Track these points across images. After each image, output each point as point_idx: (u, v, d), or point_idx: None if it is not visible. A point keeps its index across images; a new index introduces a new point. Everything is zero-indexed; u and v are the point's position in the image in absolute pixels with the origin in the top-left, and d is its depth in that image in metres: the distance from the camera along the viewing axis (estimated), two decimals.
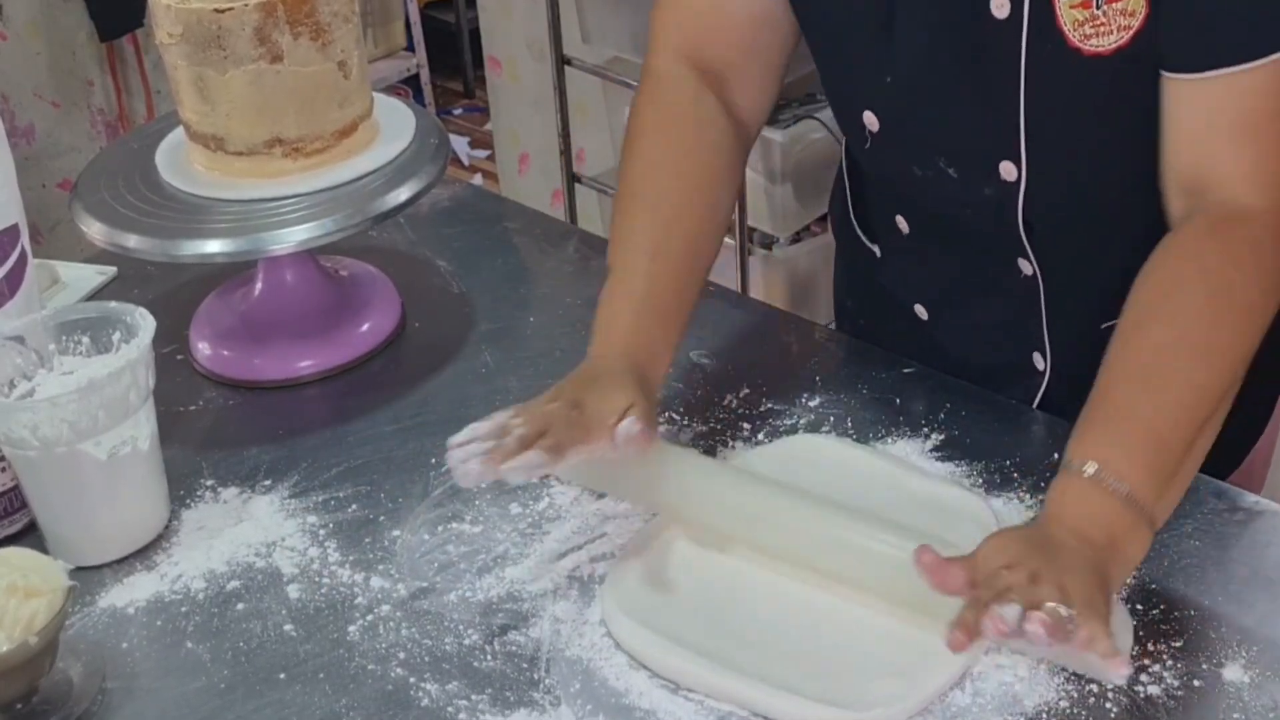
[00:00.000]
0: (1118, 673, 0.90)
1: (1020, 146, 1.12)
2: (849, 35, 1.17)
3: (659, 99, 1.22)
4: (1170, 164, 1.07)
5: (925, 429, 1.21)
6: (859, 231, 1.37)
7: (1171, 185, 1.08)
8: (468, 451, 1.00)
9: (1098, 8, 1.04)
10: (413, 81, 4.12)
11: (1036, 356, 1.27)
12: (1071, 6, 1.04)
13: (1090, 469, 0.96)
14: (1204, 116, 1.05)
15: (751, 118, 1.25)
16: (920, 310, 1.32)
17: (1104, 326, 1.22)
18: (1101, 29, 1.04)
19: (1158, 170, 1.10)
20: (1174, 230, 1.06)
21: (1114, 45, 1.05)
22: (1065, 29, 1.05)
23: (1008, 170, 1.14)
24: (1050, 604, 0.88)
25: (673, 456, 1.10)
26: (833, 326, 1.47)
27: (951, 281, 1.29)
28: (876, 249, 1.35)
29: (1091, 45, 1.05)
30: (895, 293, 1.34)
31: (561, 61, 2.69)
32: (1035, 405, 1.28)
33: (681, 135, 1.20)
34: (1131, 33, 1.04)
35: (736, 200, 1.23)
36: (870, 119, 1.20)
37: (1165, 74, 1.05)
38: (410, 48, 4.14)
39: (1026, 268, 1.21)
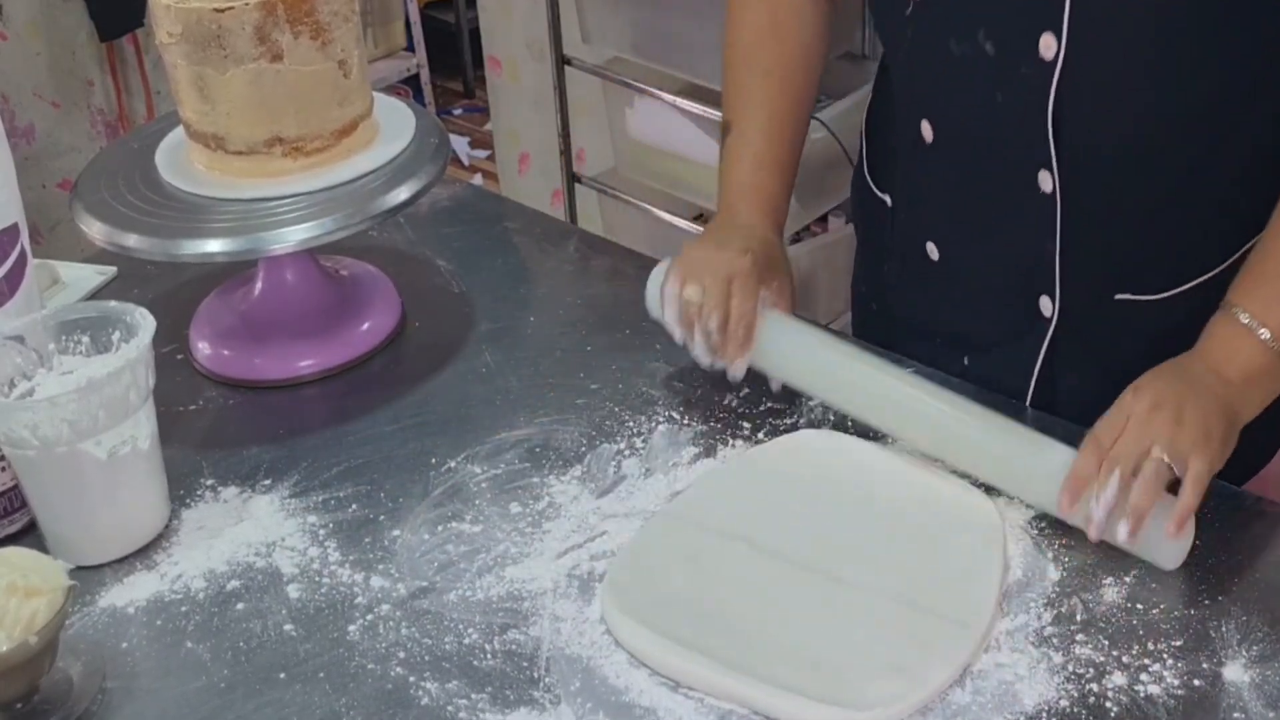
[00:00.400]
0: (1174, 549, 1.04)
1: (1064, 15, 1.10)
2: None
3: None
4: None
5: None
6: (872, 185, 1.37)
7: None
8: (700, 350, 1.20)
9: None
10: (413, 81, 4.13)
11: (1044, 301, 1.24)
12: None
13: (1241, 315, 1.09)
14: None
15: None
16: (931, 250, 1.30)
17: (1117, 298, 1.21)
18: None
19: (1200, 106, 1.10)
20: None
21: None
22: None
23: (1047, 45, 1.11)
24: (1155, 457, 1.02)
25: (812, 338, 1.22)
26: (835, 325, 1.47)
27: (967, 205, 1.27)
28: (888, 198, 1.35)
29: None
30: (906, 236, 1.33)
31: (561, 61, 2.69)
32: (1040, 361, 1.27)
33: (779, 6, 1.32)
34: None
35: (827, 55, 1.38)
36: None
37: None
38: (410, 48, 4.14)
39: (1047, 182, 1.18)
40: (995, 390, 1.26)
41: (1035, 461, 1.09)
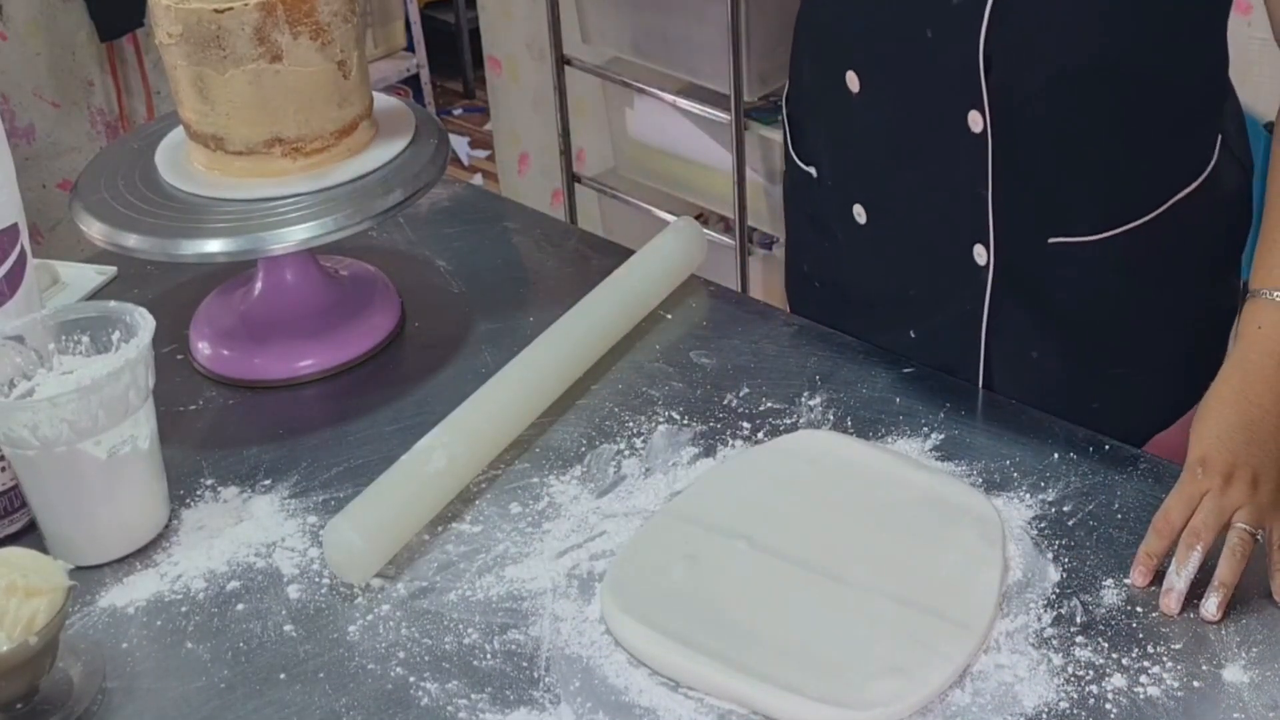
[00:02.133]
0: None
1: None
2: None
3: None
4: None
5: (925, 429, 1.21)
6: (797, 159, 1.36)
7: None
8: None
9: None
10: (413, 81, 4.13)
11: (979, 250, 1.23)
12: None
13: (1274, 294, 1.08)
14: None
15: None
16: (859, 213, 1.29)
17: (1050, 241, 1.21)
18: None
19: (1128, 43, 1.11)
20: None
21: None
22: None
23: None
24: (1238, 528, 1.03)
25: None
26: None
27: (895, 155, 1.24)
28: (814, 170, 1.34)
29: None
30: (834, 203, 1.32)
31: (561, 61, 2.69)
32: (985, 323, 1.25)
33: None
34: None
35: None
36: None
37: None
38: (410, 48, 4.14)
39: (977, 122, 1.16)
40: (947, 363, 1.27)
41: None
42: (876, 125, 1.25)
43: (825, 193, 1.34)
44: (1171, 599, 1.02)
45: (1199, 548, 1.02)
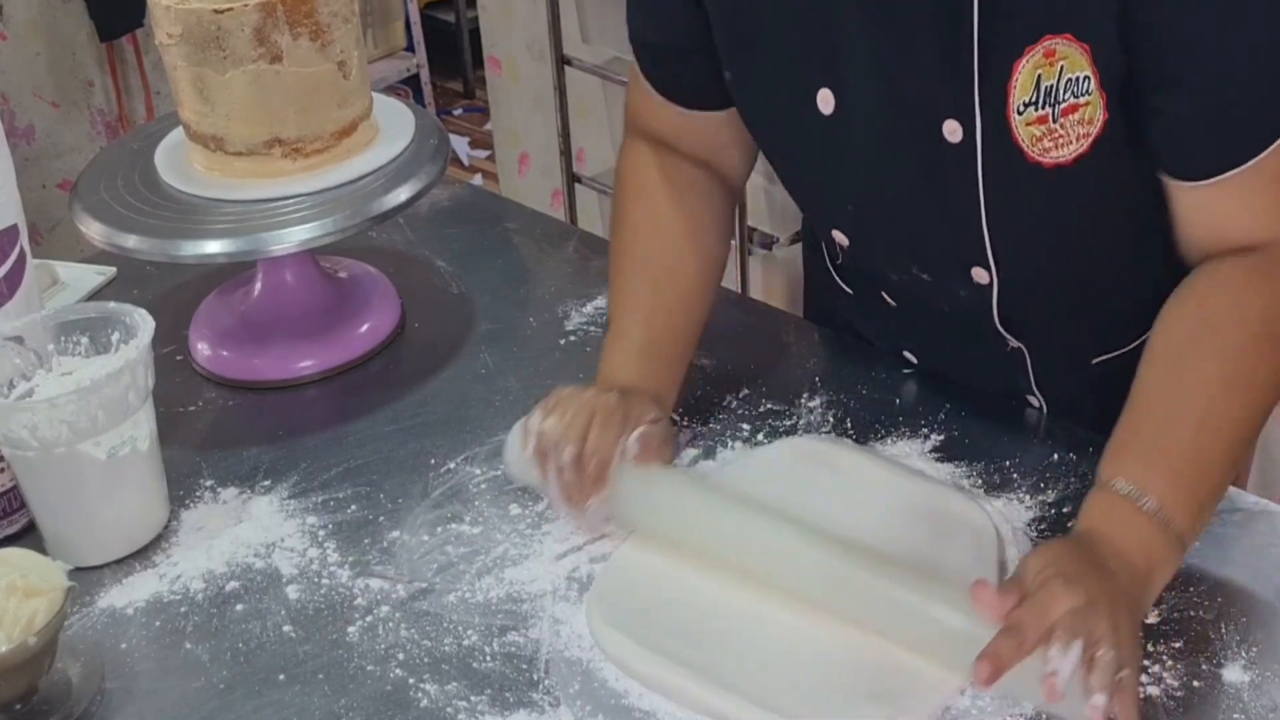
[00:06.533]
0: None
1: (988, 255, 1.12)
2: (807, 164, 1.19)
3: (640, 163, 1.26)
4: (1185, 237, 1.07)
5: (925, 429, 1.21)
6: (834, 276, 1.36)
7: (1189, 249, 1.07)
8: (552, 489, 1.08)
9: (1054, 121, 1.02)
10: (413, 81, 4.13)
11: (1030, 398, 1.28)
12: (1027, 124, 1.02)
13: (1141, 497, 0.96)
14: (1217, 205, 1.03)
15: (738, 176, 1.30)
16: (909, 355, 1.31)
17: (1095, 362, 1.24)
18: (1060, 140, 1.03)
19: (1132, 244, 1.13)
20: (1202, 269, 1.06)
21: (1074, 154, 1.03)
22: (1023, 145, 1.03)
23: (979, 275, 1.14)
24: (1103, 654, 0.88)
25: (660, 481, 1.09)
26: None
27: (936, 341, 1.27)
28: (853, 291, 1.34)
29: (1051, 157, 1.04)
30: (876, 340, 1.34)
31: (561, 61, 2.69)
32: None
33: (667, 196, 1.24)
34: (1091, 139, 1.03)
35: (728, 247, 1.30)
36: (840, 236, 1.22)
37: (1170, 180, 1.04)
38: (410, 48, 4.14)
39: (1010, 342, 1.22)
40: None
41: (930, 612, 0.97)
42: (914, 321, 1.27)
43: (866, 327, 1.35)
44: (1058, 683, 0.88)
45: (1080, 641, 0.89)
